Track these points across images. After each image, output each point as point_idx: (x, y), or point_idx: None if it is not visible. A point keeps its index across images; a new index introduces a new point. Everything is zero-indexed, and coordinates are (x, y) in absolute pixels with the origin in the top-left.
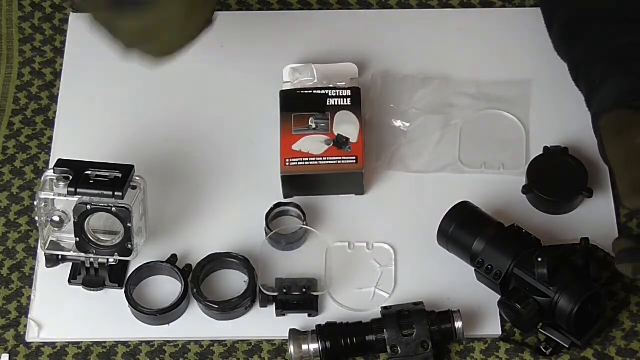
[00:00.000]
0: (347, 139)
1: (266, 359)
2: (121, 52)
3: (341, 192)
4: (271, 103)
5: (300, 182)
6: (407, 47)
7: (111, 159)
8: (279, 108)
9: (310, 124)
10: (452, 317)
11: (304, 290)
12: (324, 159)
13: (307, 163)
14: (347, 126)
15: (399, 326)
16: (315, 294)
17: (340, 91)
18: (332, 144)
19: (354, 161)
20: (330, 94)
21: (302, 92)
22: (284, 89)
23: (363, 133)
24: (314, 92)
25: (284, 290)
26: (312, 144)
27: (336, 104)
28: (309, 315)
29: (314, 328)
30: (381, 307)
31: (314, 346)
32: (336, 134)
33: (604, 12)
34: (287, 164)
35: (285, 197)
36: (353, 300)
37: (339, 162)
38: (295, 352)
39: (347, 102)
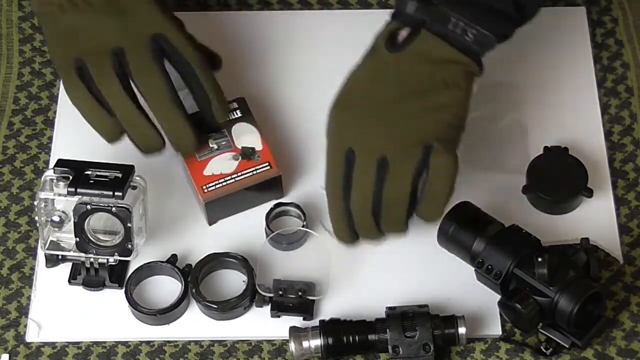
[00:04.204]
0: (253, 149)
1: (266, 359)
2: None
3: (264, 201)
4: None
5: (224, 204)
6: None
7: (111, 159)
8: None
9: (211, 145)
10: (456, 323)
11: (300, 293)
12: (239, 174)
13: (224, 184)
14: (247, 137)
15: (402, 327)
16: (311, 298)
17: None
18: (240, 158)
19: (268, 167)
20: None
21: (191, 116)
22: None
23: (265, 138)
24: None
25: (280, 292)
26: (222, 164)
27: (227, 118)
28: (304, 319)
29: (315, 324)
30: (386, 307)
31: (315, 342)
32: (240, 147)
33: None
34: (205, 190)
35: (210, 224)
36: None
37: (254, 172)
38: (296, 349)
39: (237, 114)
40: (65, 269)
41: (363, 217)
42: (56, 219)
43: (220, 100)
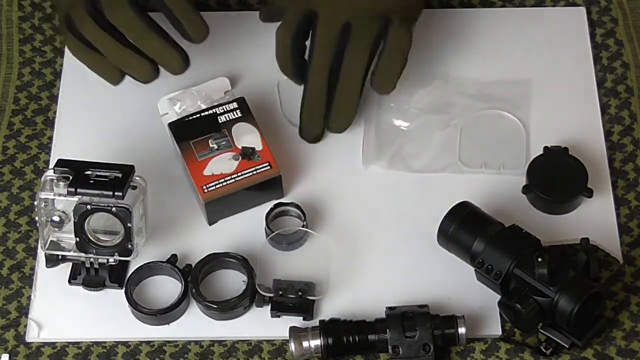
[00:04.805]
0: (253, 149)
1: (266, 359)
2: None
3: (264, 201)
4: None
5: (224, 204)
6: None
7: (111, 159)
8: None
9: (211, 145)
10: (456, 323)
11: (300, 294)
12: (239, 174)
13: (225, 183)
14: (247, 137)
15: (402, 327)
16: (311, 298)
17: (227, 105)
18: (240, 158)
19: (268, 167)
20: (218, 112)
21: (191, 117)
22: (170, 121)
23: (265, 138)
24: (202, 114)
25: (280, 292)
26: (222, 164)
27: (228, 119)
28: (304, 319)
29: (315, 324)
30: (386, 307)
31: (315, 342)
32: (240, 147)
33: None
34: (205, 190)
35: (210, 224)
36: None
37: (254, 172)
38: (296, 349)
39: (237, 114)
40: (65, 269)
41: (317, 80)
42: (56, 219)
43: (191, 21)
